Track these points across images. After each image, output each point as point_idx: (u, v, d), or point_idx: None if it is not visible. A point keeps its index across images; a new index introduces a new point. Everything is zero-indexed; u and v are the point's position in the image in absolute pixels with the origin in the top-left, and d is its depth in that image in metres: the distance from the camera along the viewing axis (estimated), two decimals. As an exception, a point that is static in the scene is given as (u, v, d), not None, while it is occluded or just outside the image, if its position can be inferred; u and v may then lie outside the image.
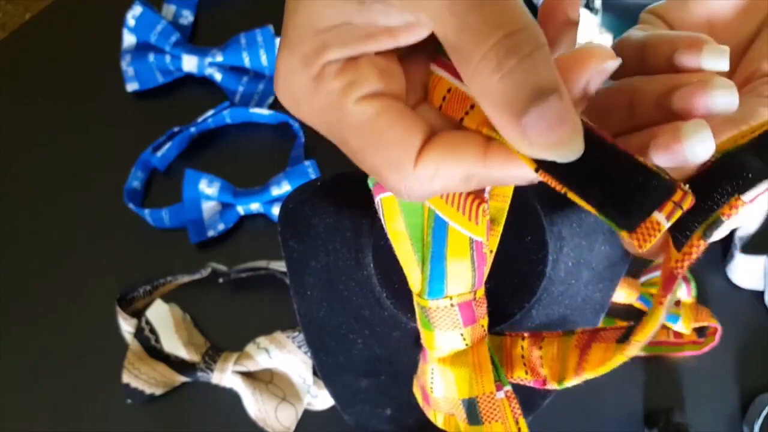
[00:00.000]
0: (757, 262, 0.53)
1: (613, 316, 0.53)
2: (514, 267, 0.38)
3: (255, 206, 0.56)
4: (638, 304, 0.53)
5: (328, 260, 0.44)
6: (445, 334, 0.35)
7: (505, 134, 0.18)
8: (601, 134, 0.20)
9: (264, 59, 0.60)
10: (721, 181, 0.21)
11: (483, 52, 0.17)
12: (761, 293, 0.54)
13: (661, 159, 0.21)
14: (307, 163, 0.56)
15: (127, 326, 0.52)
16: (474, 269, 0.33)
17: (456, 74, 0.20)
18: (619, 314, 0.53)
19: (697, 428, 0.50)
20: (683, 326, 0.51)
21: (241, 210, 0.56)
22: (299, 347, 0.50)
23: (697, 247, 0.21)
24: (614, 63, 0.20)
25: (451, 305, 0.34)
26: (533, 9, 0.65)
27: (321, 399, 0.50)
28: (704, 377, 0.52)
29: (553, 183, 0.19)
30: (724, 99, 0.21)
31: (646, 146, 0.22)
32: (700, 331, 0.52)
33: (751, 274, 0.53)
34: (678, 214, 0.19)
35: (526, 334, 0.34)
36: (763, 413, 0.49)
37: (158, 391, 0.51)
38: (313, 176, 0.55)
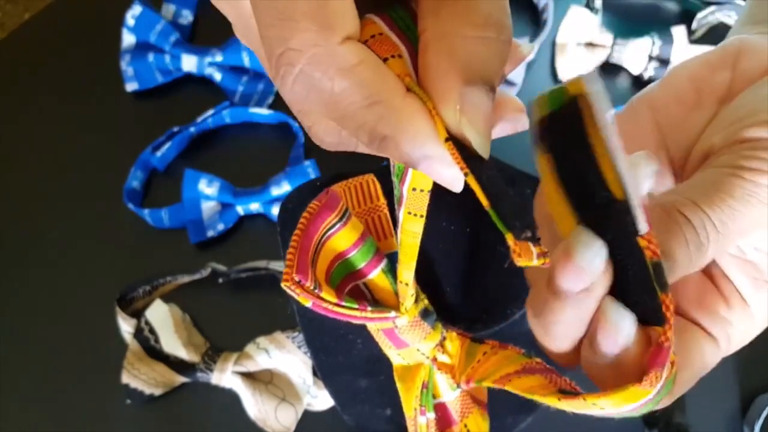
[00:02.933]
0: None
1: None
2: (512, 268, 0.38)
3: (255, 206, 0.55)
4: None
5: (328, 260, 0.43)
6: (388, 351, 0.38)
7: (441, 89, 0.17)
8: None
9: (264, 59, 0.60)
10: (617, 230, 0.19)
11: (482, 17, 0.17)
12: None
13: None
14: (306, 163, 0.56)
15: (126, 326, 0.52)
16: (395, 291, 0.35)
17: (393, 32, 0.19)
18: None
19: (697, 428, 0.50)
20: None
21: (240, 210, 0.56)
22: (299, 347, 0.50)
23: (671, 304, 0.19)
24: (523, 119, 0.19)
25: (377, 329, 0.37)
26: (534, 9, 0.65)
27: (321, 399, 0.50)
28: (704, 377, 0.52)
29: (457, 159, 0.18)
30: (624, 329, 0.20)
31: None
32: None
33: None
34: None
35: (497, 343, 0.36)
36: (764, 413, 0.49)
37: (158, 392, 0.50)
38: (312, 176, 0.55)
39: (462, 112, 0.17)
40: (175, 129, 0.59)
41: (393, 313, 0.35)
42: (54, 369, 0.53)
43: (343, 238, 0.35)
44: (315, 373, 0.50)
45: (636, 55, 0.59)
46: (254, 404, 0.50)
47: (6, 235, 0.58)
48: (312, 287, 0.32)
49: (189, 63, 0.60)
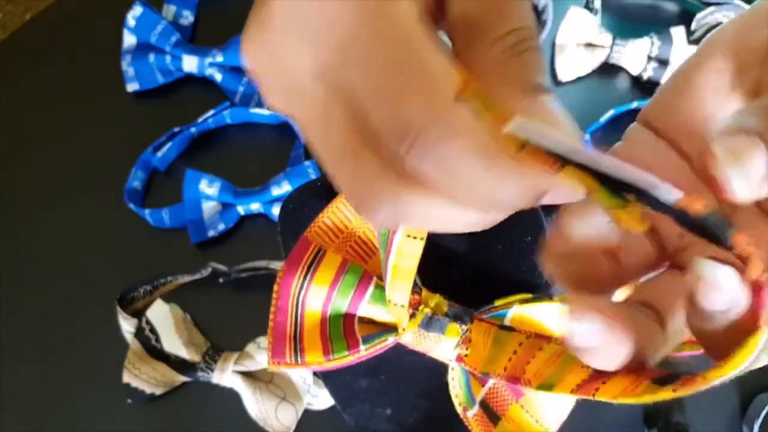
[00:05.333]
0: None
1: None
2: (514, 267, 0.38)
3: (255, 206, 0.56)
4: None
5: (328, 260, 0.44)
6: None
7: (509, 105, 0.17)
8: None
9: (264, 59, 0.60)
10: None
11: (505, 30, 0.18)
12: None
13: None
14: (307, 163, 0.56)
15: (127, 326, 0.52)
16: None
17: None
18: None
19: (697, 428, 0.50)
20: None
21: (241, 210, 0.56)
22: (299, 347, 0.50)
23: (746, 240, 0.17)
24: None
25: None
26: (533, 9, 0.65)
27: (321, 399, 0.50)
28: (704, 377, 0.52)
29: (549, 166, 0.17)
30: None
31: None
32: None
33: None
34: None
35: (533, 333, 0.34)
36: (763, 413, 0.49)
37: (159, 391, 0.51)
38: (313, 176, 0.55)
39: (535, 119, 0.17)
40: (176, 129, 0.59)
41: (391, 339, 0.34)
42: (55, 368, 0.53)
43: (316, 293, 0.34)
44: (315, 373, 0.50)
45: (635, 55, 0.59)
46: (255, 403, 0.50)
47: (6, 234, 0.58)
48: (294, 360, 0.32)
49: (190, 63, 0.61)
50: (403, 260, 0.27)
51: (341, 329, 0.34)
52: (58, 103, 0.63)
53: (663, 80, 0.59)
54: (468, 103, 0.16)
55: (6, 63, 0.65)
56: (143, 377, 0.50)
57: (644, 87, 0.60)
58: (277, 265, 0.53)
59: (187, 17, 0.65)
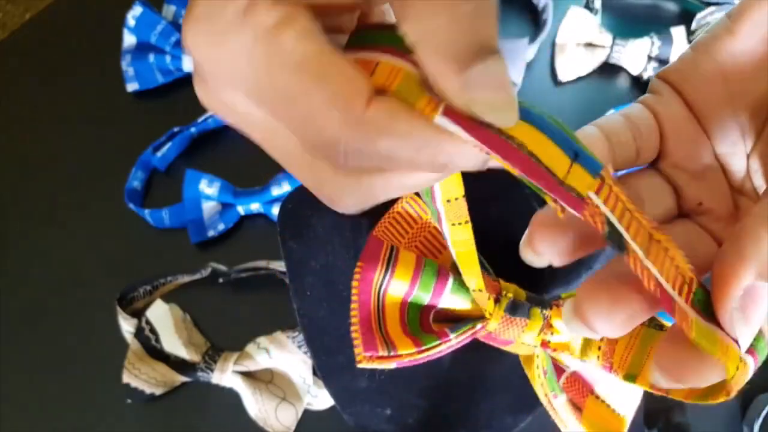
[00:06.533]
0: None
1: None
2: (513, 267, 0.38)
3: (255, 206, 0.56)
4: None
5: (328, 260, 0.44)
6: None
7: (445, 84, 0.17)
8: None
9: (264, 59, 0.60)
10: None
11: None
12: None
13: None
14: (307, 163, 0.56)
15: (127, 326, 0.52)
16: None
17: (386, 53, 0.19)
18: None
19: (697, 428, 0.50)
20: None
21: (241, 210, 0.56)
22: (299, 347, 0.50)
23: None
24: None
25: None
26: (533, 10, 0.65)
27: (321, 399, 0.50)
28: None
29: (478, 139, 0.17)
30: None
31: None
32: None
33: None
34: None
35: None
36: (763, 413, 0.49)
37: (158, 391, 0.51)
38: (313, 176, 0.55)
39: (472, 100, 0.17)
40: (176, 129, 0.59)
41: (479, 326, 0.33)
42: (55, 368, 0.53)
43: (398, 286, 0.34)
44: (315, 373, 0.50)
45: (635, 55, 0.59)
46: (255, 404, 0.50)
47: (6, 234, 0.58)
48: (387, 353, 0.31)
49: (190, 63, 0.61)
50: (460, 247, 0.27)
51: (420, 321, 0.34)
52: (58, 103, 0.63)
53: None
54: (392, 98, 0.17)
55: (6, 63, 0.65)
56: (143, 377, 0.50)
57: (644, 87, 0.60)
58: (277, 265, 0.53)
59: (187, 17, 0.65)
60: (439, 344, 0.32)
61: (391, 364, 0.32)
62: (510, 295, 0.34)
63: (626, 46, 0.59)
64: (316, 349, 0.42)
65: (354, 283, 0.33)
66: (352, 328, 0.32)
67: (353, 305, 0.33)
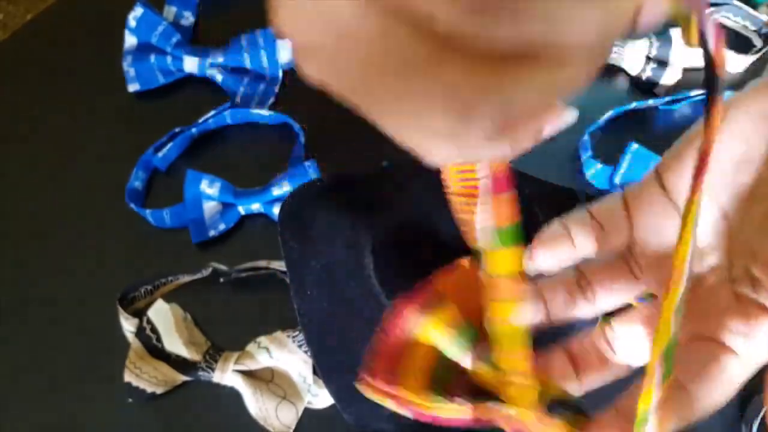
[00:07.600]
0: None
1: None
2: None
3: (256, 206, 0.56)
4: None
5: (328, 260, 0.44)
6: None
7: None
8: None
9: (265, 60, 0.61)
10: None
11: None
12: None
13: None
14: (307, 163, 0.56)
15: (128, 325, 0.52)
16: None
17: None
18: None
19: (695, 427, 0.50)
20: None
21: (241, 210, 0.56)
22: (299, 347, 0.50)
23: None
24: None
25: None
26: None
27: (321, 398, 0.51)
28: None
29: None
30: None
31: None
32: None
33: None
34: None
35: None
36: (762, 412, 0.49)
37: (160, 390, 0.51)
38: (313, 176, 0.56)
39: None
40: (177, 130, 0.60)
41: (513, 410, 0.30)
42: (56, 368, 0.54)
43: (432, 331, 0.32)
44: (315, 372, 0.50)
45: (634, 55, 0.59)
46: (255, 403, 0.50)
47: (7, 235, 0.58)
48: (389, 386, 0.30)
49: (190, 64, 0.61)
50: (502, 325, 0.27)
51: (447, 378, 0.32)
52: (58, 104, 0.63)
53: (662, 81, 0.59)
54: None
55: (6, 63, 0.65)
56: (144, 376, 0.51)
57: (643, 88, 0.60)
58: (277, 264, 0.54)
59: (188, 18, 0.65)
60: (454, 407, 0.30)
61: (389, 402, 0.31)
62: (552, 391, 0.31)
63: (625, 46, 0.59)
64: (317, 348, 0.43)
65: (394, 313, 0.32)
66: (372, 350, 0.31)
67: (383, 331, 0.32)
